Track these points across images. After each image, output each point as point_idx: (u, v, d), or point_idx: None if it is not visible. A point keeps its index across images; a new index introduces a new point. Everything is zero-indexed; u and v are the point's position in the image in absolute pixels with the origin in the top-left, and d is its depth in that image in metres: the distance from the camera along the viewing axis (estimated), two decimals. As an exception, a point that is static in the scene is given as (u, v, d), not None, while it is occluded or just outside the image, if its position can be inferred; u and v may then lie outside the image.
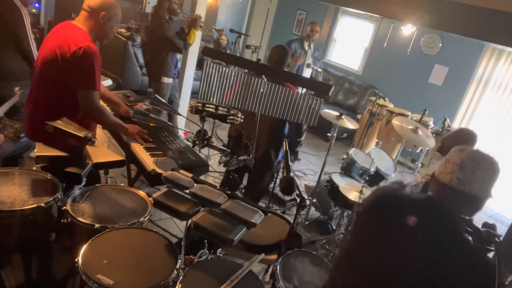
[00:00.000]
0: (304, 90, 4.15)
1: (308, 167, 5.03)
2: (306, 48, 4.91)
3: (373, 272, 1.19)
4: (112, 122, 2.26)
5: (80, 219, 1.74)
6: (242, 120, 2.05)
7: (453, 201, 1.18)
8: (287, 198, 3.87)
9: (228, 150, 2.06)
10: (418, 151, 4.72)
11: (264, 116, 2.08)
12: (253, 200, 3.20)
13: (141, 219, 1.83)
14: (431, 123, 4.79)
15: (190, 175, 1.98)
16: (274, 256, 1.99)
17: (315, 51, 5.06)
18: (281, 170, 3.31)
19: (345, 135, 6.30)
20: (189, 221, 1.65)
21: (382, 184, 3.42)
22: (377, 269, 1.18)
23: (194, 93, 5.32)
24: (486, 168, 1.18)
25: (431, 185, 1.27)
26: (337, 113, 3.36)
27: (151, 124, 2.48)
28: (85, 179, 2.01)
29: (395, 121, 3.64)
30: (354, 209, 1.43)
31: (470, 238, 1.15)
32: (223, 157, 2.06)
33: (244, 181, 3.43)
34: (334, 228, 3.51)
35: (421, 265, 1.10)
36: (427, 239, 1.12)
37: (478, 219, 1.20)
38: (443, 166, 1.24)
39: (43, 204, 1.74)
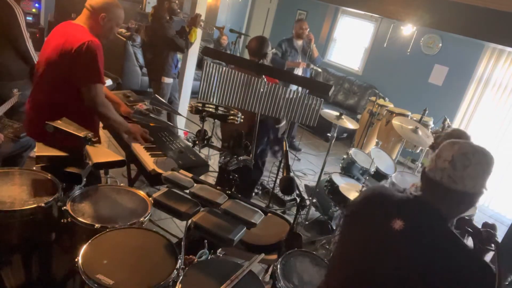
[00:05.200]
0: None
1: (308, 167, 5.03)
2: (296, 47, 4.88)
3: (362, 273, 1.18)
4: (115, 118, 2.25)
5: (80, 219, 1.74)
6: (242, 120, 2.05)
7: (445, 199, 1.14)
8: (287, 198, 3.87)
9: (223, 148, 2.05)
10: (418, 151, 4.72)
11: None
12: (244, 194, 3.21)
13: (141, 219, 1.83)
14: (431, 123, 4.79)
15: (190, 175, 1.98)
16: (274, 256, 1.99)
17: (308, 49, 4.96)
18: (267, 159, 3.31)
19: (345, 135, 6.30)
20: (189, 221, 1.65)
21: (382, 183, 3.42)
22: (366, 270, 1.17)
23: (194, 93, 5.31)
24: (478, 163, 1.11)
25: (421, 181, 1.22)
26: (337, 113, 3.36)
27: (151, 124, 2.48)
28: (85, 179, 2.01)
29: (395, 121, 3.64)
30: (344, 210, 1.41)
31: (464, 238, 1.12)
32: (223, 157, 2.06)
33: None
34: (334, 228, 3.51)
35: (412, 268, 1.09)
36: (416, 243, 1.10)
37: (478, 219, 1.18)
38: (433, 161, 1.18)
39: (43, 204, 1.74)
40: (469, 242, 1.20)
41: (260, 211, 1.76)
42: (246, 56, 3.32)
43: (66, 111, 2.04)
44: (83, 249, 1.54)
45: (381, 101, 5.10)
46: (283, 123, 3.03)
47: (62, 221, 1.81)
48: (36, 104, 2.21)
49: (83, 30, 2.11)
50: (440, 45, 5.79)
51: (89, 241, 1.59)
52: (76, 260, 1.49)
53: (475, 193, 1.12)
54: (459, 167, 1.11)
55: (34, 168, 2.01)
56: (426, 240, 1.10)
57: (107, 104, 2.18)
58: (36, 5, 6.22)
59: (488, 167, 1.13)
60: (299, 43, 4.89)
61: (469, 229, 1.15)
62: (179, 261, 1.59)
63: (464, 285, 1.04)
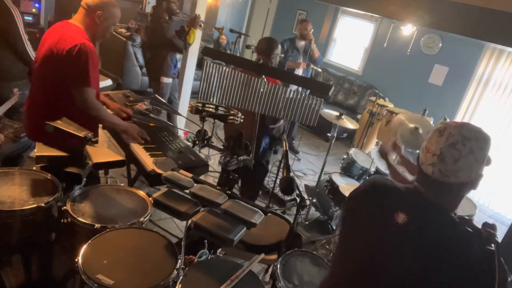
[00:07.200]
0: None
1: (308, 167, 5.03)
2: (298, 47, 4.88)
3: (368, 270, 1.18)
4: (109, 120, 2.26)
5: (80, 219, 1.74)
6: (242, 120, 2.05)
7: (441, 191, 1.10)
8: (287, 198, 3.87)
9: (222, 147, 2.05)
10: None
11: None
12: (250, 195, 3.21)
13: (141, 219, 1.83)
14: (431, 123, 4.79)
15: (190, 175, 1.98)
16: (274, 256, 1.99)
17: (309, 49, 4.97)
18: (270, 160, 3.29)
19: (345, 135, 6.30)
20: (189, 221, 1.65)
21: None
22: (372, 266, 1.17)
23: (194, 93, 5.31)
24: (470, 152, 1.03)
25: (418, 174, 1.17)
26: (337, 113, 3.36)
27: (151, 124, 2.48)
28: (85, 179, 2.01)
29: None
30: (345, 203, 1.36)
31: (466, 234, 1.10)
32: (223, 157, 2.06)
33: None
34: (334, 228, 3.51)
35: (412, 263, 1.08)
36: (419, 236, 1.09)
37: (478, 219, 1.17)
38: (423, 154, 1.12)
39: (43, 204, 1.74)
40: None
41: (260, 211, 1.76)
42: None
43: (63, 110, 2.04)
44: (83, 249, 1.54)
45: (381, 101, 5.11)
46: (279, 124, 3.01)
47: (62, 221, 1.81)
48: (34, 103, 2.21)
49: (78, 30, 2.09)
50: (440, 45, 5.79)
51: (89, 241, 1.59)
52: (76, 260, 1.49)
53: (472, 181, 1.07)
54: (449, 161, 1.04)
55: (34, 168, 2.01)
56: (430, 232, 1.08)
57: (99, 107, 2.18)
58: (36, 5, 6.21)
59: (482, 152, 1.04)
60: (301, 43, 4.88)
61: (469, 229, 1.14)
62: (179, 261, 1.59)
63: (471, 275, 1.03)
